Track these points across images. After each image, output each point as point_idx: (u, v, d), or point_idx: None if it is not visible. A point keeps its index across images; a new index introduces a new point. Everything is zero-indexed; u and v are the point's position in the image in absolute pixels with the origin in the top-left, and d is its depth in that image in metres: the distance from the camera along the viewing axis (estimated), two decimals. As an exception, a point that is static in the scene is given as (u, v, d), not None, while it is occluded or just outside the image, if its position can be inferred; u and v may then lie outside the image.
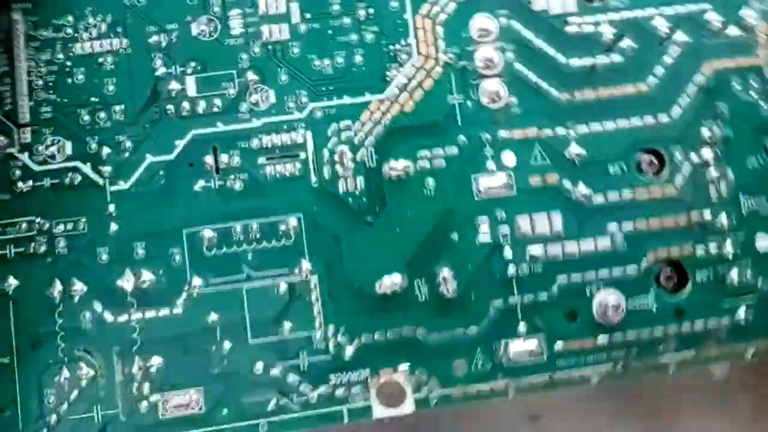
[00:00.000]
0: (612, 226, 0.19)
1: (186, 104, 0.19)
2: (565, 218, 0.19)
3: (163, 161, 0.18)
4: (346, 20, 0.19)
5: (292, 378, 0.18)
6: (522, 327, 0.18)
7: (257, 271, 0.18)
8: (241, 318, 0.18)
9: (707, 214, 0.19)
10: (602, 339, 0.18)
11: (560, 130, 0.19)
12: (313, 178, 0.19)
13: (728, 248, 0.19)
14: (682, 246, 0.19)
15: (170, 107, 0.19)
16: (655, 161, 0.19)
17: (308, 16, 0.19)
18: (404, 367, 0.18)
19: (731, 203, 0.19)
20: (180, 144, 0.19)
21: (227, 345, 0.18)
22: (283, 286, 0.18)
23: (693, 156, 0.19)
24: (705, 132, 0.19)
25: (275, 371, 0.18)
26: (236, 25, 0.19)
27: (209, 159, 0.18)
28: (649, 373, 0.18)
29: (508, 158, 0.19)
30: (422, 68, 0.19)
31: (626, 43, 0.19)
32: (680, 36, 0.20)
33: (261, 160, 0.19)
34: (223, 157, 0.18)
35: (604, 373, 0.18)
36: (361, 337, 0.18)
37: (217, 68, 0.19)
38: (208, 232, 0.18)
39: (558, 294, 0.18)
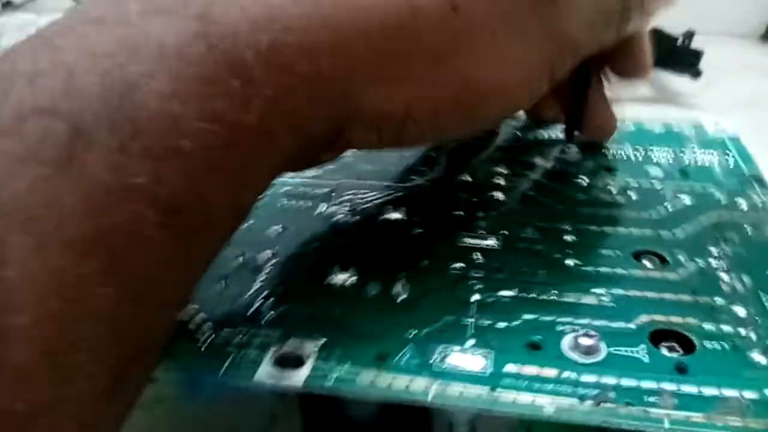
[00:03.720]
0: (599, 290, 0.17)
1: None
2: (547, 274, 0.17)
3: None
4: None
5: (200, 318, 0.16)
6: (470, 343, 0.15)
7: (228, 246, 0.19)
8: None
9: (719, 300, 0.16)
10: (568, 373, 0.14)
11: (556, 224, 0.19)
12: (323, 208, 0.21)
13: (749, 333, 0.15)
14: (685, 317, 0.15)
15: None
16: (656, 259, 0.18)
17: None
18: (318, 341, 0.15)
19: (751, 300, 0.16)
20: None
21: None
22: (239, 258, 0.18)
23: (700, 261, 0.18)
24: (713, 250, 0.18)
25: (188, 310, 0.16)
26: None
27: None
28: (636, 423, 0.13)
29: (499, 229, 0.19)
30: (442, 178, 0.23)
31: (631, 193, 0.21)
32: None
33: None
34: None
35: (565, 407, 0.13)
36: (289, 306, 0.16)
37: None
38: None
39: (522, 325, 0.16)
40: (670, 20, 0.42)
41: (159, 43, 0.11)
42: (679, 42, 0.40)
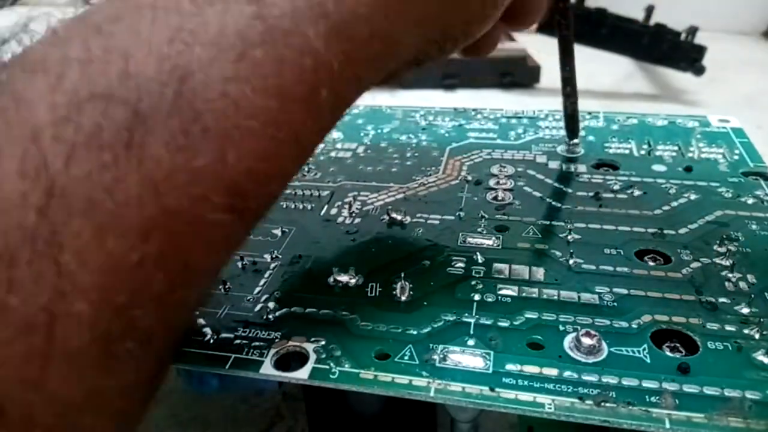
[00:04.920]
0: (601, 289, 0.17)
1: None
2: (547, 273, 0.17)
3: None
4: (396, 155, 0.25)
5: (201, 321, 0.16)
6: (471, 342, 0.15)
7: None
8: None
9: (723, 300, 0.16)
10: (569, 372, 0.14)
11: (558, 223, 0.19)
12: (325, 210, 0.21)
13: (753, 334, 0.15)
14: (688, 317, 0.15)
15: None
16: (660, 258, 0.18)
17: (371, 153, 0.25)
18: (320, 341, 0.15)
19: (755, 299, 0.16)
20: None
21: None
22: (240, 262, 0.18)
23: (704, 260, 0.17)
24: (717, 248, 0.18)
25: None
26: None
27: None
28: (636, 423, 0.13)
29: (501, 229, 0.19)
30: (443, 179, 0.23)
31: (635, 190, 0.21)
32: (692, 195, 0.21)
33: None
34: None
35: (565, 406, 0.13)
36: (291, 308, 0.16)
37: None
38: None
39: (523, 324, 0.15)
40: (673, 16, 0.42)
41: (218, 29, 0.11)
42: (683, 37, 0.39)
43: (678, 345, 0.15)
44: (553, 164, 0.23)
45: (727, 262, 0.17)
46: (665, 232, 0.19)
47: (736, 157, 0.23)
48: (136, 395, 0.11)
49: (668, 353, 0.15)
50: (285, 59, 0.11)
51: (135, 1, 0.11)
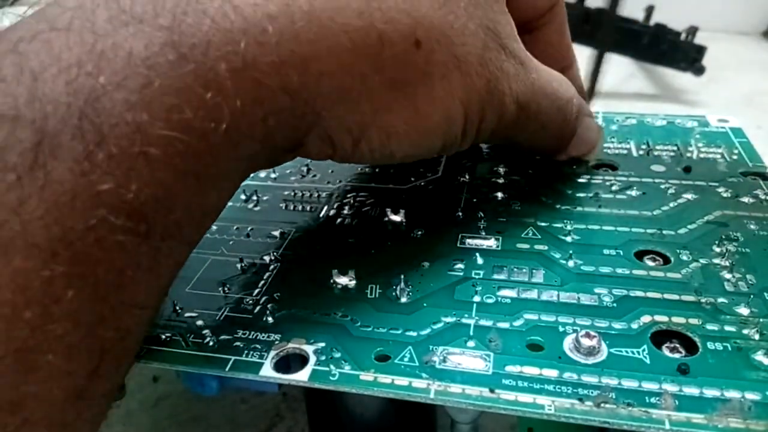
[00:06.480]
0: (600, 290, 0.17)
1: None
2: (546, 275, 0.17)
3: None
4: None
5: (200, 323, 0.16)
6: (471, 344, 0.15)
7: (230, 251, 0.19)
8: (192, 275, 0.18)
9: (722, 300, 0.16)
10: (569, 374, 0.14)
11: (557, 224, 0.19)
12: (324, 212, 0.21)
13: (752, 334, 0.15)
14: (687, 318, 0.15)
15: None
16: (659, 258, 0.18)
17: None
18: (320, 343, 0.15)
19: (754, 299, 0.16)
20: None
21: (164, 289, 0.17)
22: (239, 264, 0.18)
23: (703, 260, 0.17)
24: (716, 249, 0.18)
25: (190, 314, 0.16)
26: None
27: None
28: (636, 424, 0.13)
29: (500, 230, 0.19)
30: (443, 179, 0.23)
31: (634, 191, 0.21)
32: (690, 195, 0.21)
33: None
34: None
35: (565, 407, 0.13)
36: (291, 309, 0.16)
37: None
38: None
39: (523, 325, 0.15)
40: (673, 16, 0.42)
41: (127, 52, 0.11)
42: (683, 37, 0.39)
43: (678, 346, 0.15)
44: (553, 165, 0.23)
45: (727, 263, 0.17)
46: (664, 232, 0.19)
47: (735, 157, 0.23)
48: (66, 405, 0.11)
49: (668, 354, 0.15)
50: (191, 91, 0.11)
51: (53, 19, 0.11)
